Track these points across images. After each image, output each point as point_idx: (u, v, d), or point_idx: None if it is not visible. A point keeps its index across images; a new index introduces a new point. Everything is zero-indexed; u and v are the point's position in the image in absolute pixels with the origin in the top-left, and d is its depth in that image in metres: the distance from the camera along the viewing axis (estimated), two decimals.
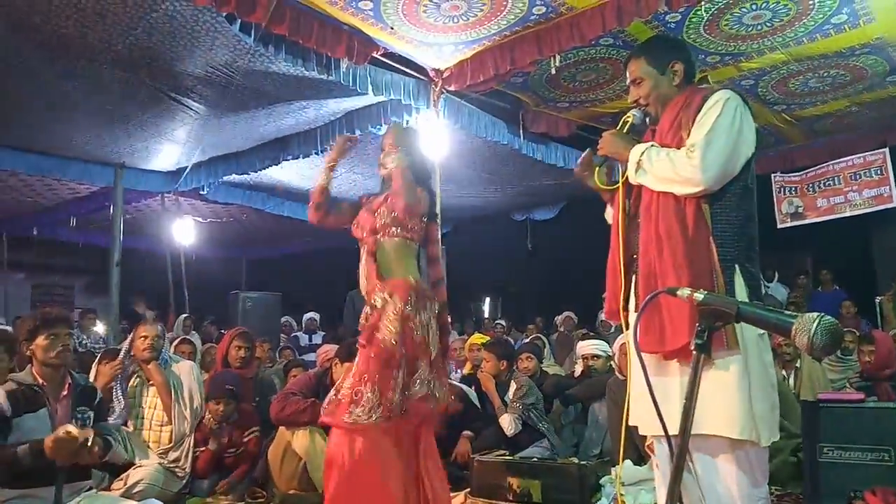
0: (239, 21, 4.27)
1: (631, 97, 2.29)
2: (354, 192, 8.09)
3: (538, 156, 6.85)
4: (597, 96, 6.09)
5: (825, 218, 7.42)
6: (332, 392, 2.75)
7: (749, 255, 2.07)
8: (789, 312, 1.34)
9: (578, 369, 5.23)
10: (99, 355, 4.48)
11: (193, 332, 8.23)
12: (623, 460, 2.56)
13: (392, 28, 4.69)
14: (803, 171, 7.59)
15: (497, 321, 9.50)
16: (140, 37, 4.56)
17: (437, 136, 5.50)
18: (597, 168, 2.32)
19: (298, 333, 9.21)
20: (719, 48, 5.16)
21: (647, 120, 2.28)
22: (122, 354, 4.10)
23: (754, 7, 4.56)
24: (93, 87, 5.40)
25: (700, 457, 2.00)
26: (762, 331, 1.94)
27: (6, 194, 8.65)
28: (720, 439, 1.95)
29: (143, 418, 4.00)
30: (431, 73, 5.43)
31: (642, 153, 2.11)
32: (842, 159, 7.31)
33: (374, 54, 4.89)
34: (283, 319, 9.69)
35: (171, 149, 7.05)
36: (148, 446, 3.92)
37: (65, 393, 2.91)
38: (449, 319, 2.99)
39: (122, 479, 3.65)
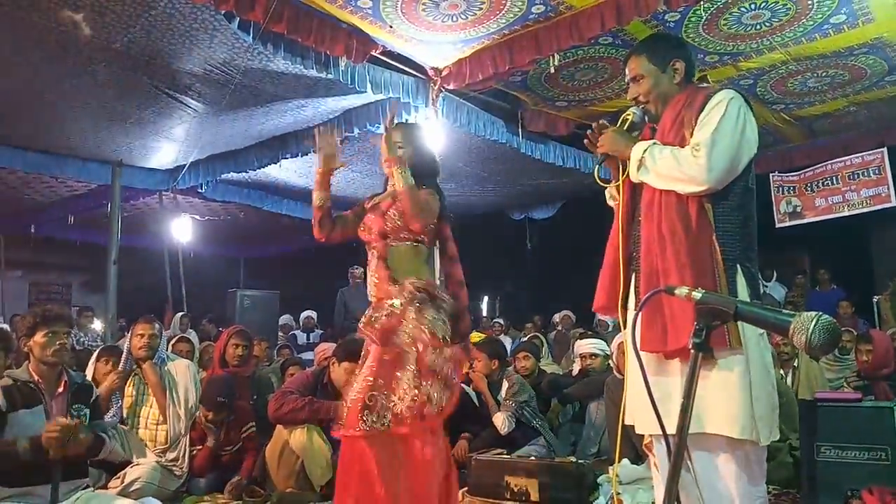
0: (238, 19, 4.27)
1: (630, 94, 2.28)
2: (354, 190, 8.09)
3: (537, 154, 6.86)
4: (595, 95, 6.09)
5: (823, 217, 7.44)
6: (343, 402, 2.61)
7: (749, 254, 2.08)
8: (787, 311, 1.34)
9: (576, 368, 5.23)
10: (97, 352, 4.47)
11: (191, 329, 8.23)
12: (620, 459, 2.55)
13: (391, 26, 4.68)
14: (802, 170, 7.61)
15: (495, 320, 9.51)
16: (138, 35, 4.55)
17: (436, 134, 5.49)
18: (596, 166, 2.31)
19: (296, 332, 9.21)
20: (718, 47, 5.17)
21: (647, 118, 2.26)
22: (123, 357, 4.08)
23: (753, 7, 4.57)
24: (91, 85, 5.39)
25: (699, 455, 2.00)
26: (762, 330, 1.94)
27: (4, 192, 8.64)
28: (720, 438, 1.95)
29: (139, 417, 3.99)
30: (430, 72, 5.43)
31: (644, 151, 2.10)
32: (840, 159, 7.33)
33: (373, 53, 4.89)
34: (282, 320, 9.69)
35: (169, 147, 7.04)
36: (145, 445, 3.92)
37: (60, 390, 2.91)
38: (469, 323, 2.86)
39: (119, 478, 3.64)
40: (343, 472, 2.55)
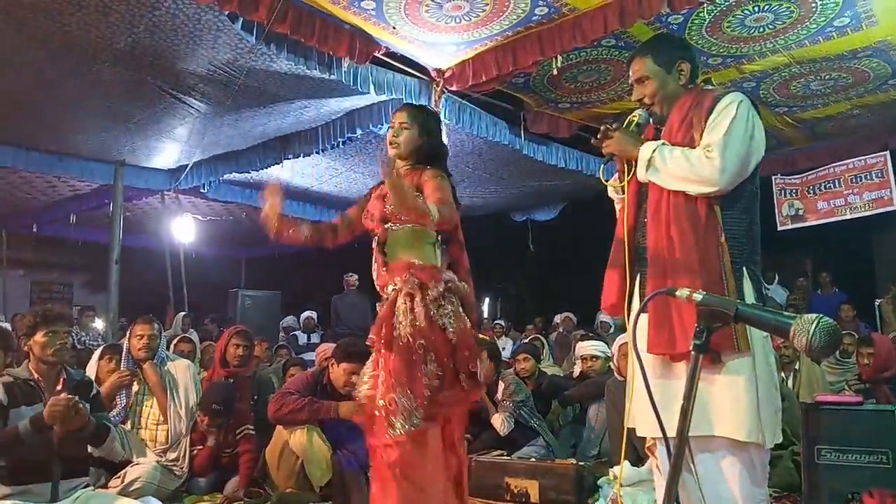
0: (241, 19, 4.27)
1: (635, 96, 2.26)
2: (356, 191, 8.10)
3: (539, 156, 6.86)
4: (598, 97, 6.09)
5: (825, 220, 7.43)
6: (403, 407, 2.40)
7: (754, 257, 2.08)
8: (788, 314, 1.34)
9: (577, 370, 5.23)
10: (99, 350, 4.48)
11: (192, 329, 8.23)
12: (622, 461, 2.54)
13: (394, 27, 4.69)
14: (804, 173, 7.60)
15: (496, 321, 9.52)
16: (142, 35, 4.56)
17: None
18: (602, 166, 2.31)
19: (297, 332, 9.22)
20: (721, 50, 5.16)
21: (652, 119, 2.25)
22: (123, 356, 4.09)
23: (756, 9, 4.56)
24: (94, 85, 5.40)
25: (703, 457, 2.00)
26: (766, 332, 1.94)
27: (6, 191, 8.66)
28: (726, 440, 1.95)
29: (140, 416, 3.99)
30: (433, 73, 5.43)
31: (653, 151, 2.09)
32: (842, 162, 7.32)
33: (376, 54, 4.89)
34: (286, 322, 9.69)
35: (171, 147, 7.05)
36: (145, 445, 3.92)
37: (59, 388, 2.92)
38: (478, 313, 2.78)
39: (119, 477, 3.64)
40: (381, 481, 2.41)
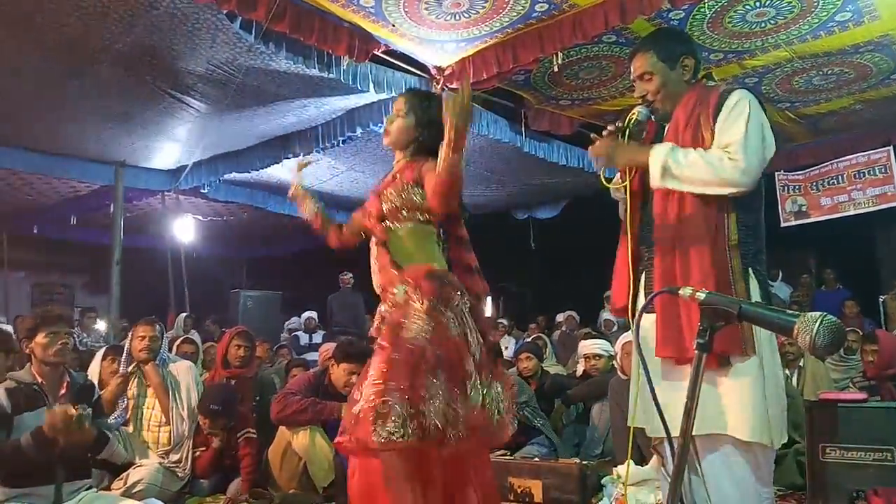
0: (240, 19, 4.27)
1: (638, 92, 2.22)
2: (358, 191, 8.08)
3: (540, 154, 6.84)
4: (599, 94, 6.07)
5: (829, 217, 7.41)
6: (348, 409, 2.23)
7: (759, 257, 2.06)
8: (791, 311, 1.32)
9: (580, 369, 5.21)
10: (102, 351, 4.48)
11: (193, 330, 8.22)
12: (626, 460, 2.52)
13: (394, 25, 4.67)
14: (807, 169, 7.58)
15: (499, 320, 9.49)
16: (140, 35, 4.55)
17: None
18: (601, 173, 2.27)
19: (298, 333, 9.21)
20: (723, 45, 5.14)
21: (654, 116, 2.21)
22: (123, 358, 4.08)
23: (758, 4, 4.54)
24: (93, 86, 5.39)
25: (710, 456, 1.98)
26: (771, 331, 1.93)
27: (6, 193, 8.66)
28: (732, 439, 1.94)
29: (142, 419, 3.98)
30: (433, 71, 5.41)
31: (666, 157, 2.02)
32: (846, 158, 7.30)
33: (376, 52, 4.88)
34: (289, 323, 9.67)
35: (171, 147, 7.05)
36: (148, 447, 3.91)
37: (63, 391, 2.92)
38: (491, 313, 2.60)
39: (122, 479, 3.64)
40: (358, 494, 2.23)
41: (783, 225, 7.57)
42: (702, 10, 4.59)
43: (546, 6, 4.47)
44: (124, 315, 7.48)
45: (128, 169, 7.48)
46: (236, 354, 4.46)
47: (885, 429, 3.08)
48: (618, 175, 2.26)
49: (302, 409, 3.71)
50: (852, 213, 7.27)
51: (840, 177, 7.33)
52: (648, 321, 2.06)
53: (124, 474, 3.65)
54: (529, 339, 7.07)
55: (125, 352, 4.10)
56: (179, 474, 3.90)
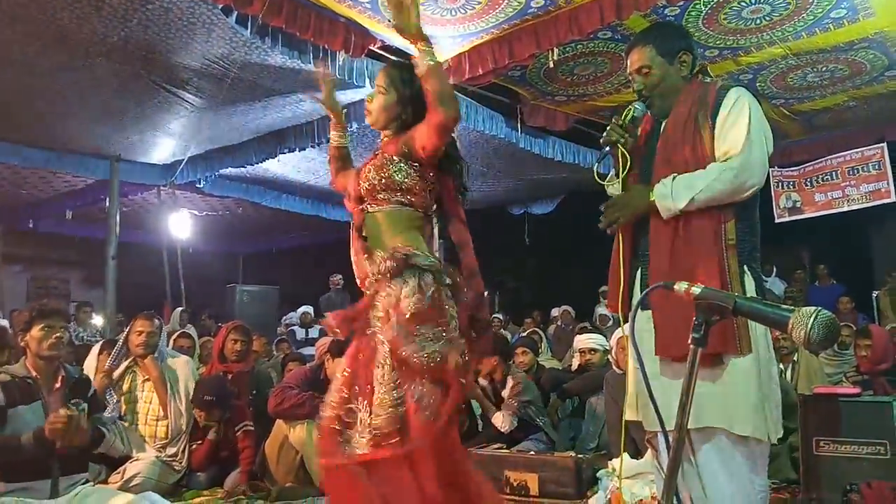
0: (235, 13, 4.25)
1: (636, 87, 2.20)
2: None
3: (536, 149, 6.84)
4: (595, 90, 6.07)
5: (823, 213, 7.43)
6: (361, 420, 1.98)
7: (755, 254, 2.07)
8: (786, 307, 1.33)
9: (575, 363, 5.23)
10: (99, 345, 4.48)
11: (189, 325, 8.22)
12: (622, 454, 2.54)
13: (390, 21, 4.65)
14: (801, 165, 7.60)
15: (494, 315, 9.50)
16: (135, 29, 4.54)
17: None
18: (596, 163, 2.28)
19: (295, 327, 9.21)
20: (718, 42, 5.15)
21: (650, 112, 2.21)
22: (115, 351, 4.08)
23: (753, 1, 4.55)
24: (88, 80, 5.37)
25: (705, 449, 1.99)
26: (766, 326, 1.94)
27: (2, 187, 8.64)
28: (726, 433, 1.95)
29: (139, 413, 3.99)
30: None
31: (672, 194, 1.99)
32: (840, 154, 7.32)
33: (371, 47, 4.87)
34: (285, 318, 9.67)
35: (167, 141, 7.03)
36: (145, 441, 3.92)
37: (58, 385, 2.92)
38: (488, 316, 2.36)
39: (119, 473, 3.66)
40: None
41: (777, 221, 7.59)
42: (697, 6, 4.59)
43: (542, 2, 4.46)
44: (120, 309, 7.48)
45: (123, 163, 7.46)
46: (233, 349, 4.47)
47: (877, 423, 3.11)
48: (612, 172, 2.26)
49: (300, 402, 3.73)
50: (846, 209, 7.29)
51: (834, 173, 7.35)
52: (644, 317, 2.07)
53: (121, 468, 3.67)
54: (525, 334, 7.09)
55: (117, 346, 4.10)
56: (176, 468, 3.91)
